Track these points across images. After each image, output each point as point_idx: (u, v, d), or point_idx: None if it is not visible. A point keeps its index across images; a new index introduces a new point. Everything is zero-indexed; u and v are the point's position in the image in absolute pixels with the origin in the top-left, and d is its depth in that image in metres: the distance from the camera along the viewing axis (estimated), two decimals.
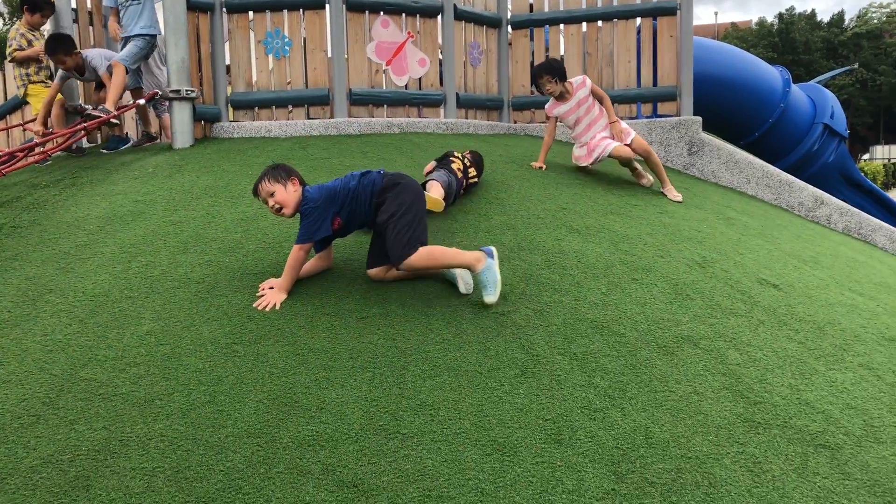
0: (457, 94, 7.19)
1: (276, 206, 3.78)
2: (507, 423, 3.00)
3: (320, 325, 3.50)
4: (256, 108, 6.75)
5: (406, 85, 7.05)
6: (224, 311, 3.62)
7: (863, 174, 10.57)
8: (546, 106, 6.16)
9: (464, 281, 3.85)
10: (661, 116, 7.36)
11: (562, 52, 7.64)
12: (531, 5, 7.85)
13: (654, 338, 3.61)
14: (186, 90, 6.13)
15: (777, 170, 7.07)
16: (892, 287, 5.11)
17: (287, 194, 3.78)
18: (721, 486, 2.76)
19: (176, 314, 3.61)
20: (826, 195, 7.01)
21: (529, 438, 2.93)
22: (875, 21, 77.21)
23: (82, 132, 6.28)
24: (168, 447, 2.81)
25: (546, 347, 3.46)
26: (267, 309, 3.60)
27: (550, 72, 5.88)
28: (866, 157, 66.67)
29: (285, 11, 6.67)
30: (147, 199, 4.97)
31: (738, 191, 6.86)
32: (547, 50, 7.87)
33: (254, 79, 6.85)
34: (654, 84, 7.36)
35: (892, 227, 7.08)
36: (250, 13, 6.70)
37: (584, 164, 6.04)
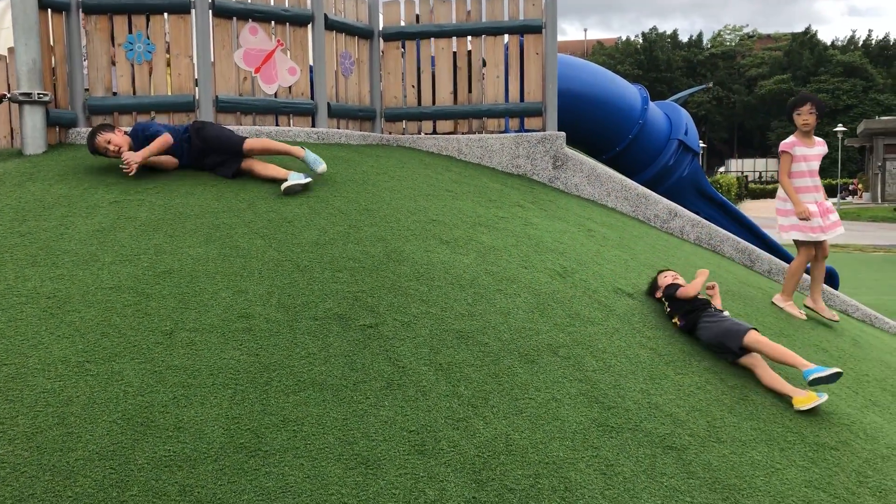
0: (328, 103, 7.15)
1: (117, 147, 5.10)
2: (371, 437, 3.01)
3: (179, 341, 3.39)
4: (116, 114, 6.46)
5: (276, 93, 6.95)
6: (76, 328, 3.44)
7: (716, 187, 11.28)
8: (785, 141, 5.61)
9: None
10: (527, 131, 7.59)
11: (433, 67, 7.76)
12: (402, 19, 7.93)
13: (516, 346, 3.72)
14: (38, 93, 5.79)
15: (635, 184, 7.44)
16: (737, 294, 5.49)
17: (120, 136, 5.20)
18: (576, 490, 2.88)
19: (22, 331, 3.40)
20: (679, 208, 7.44)
21: (393, 451, 2.96)
22: (728, 43, 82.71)
23: None
24: (10, 474, 2.64)
25: (412, 359, 3.50)
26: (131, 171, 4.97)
27: (817, 103, 5.53)
28: (722, 169, 71.28)
29: (147, 15, 6.42)
30: None
31: (599, 203, 7.18)
32: (419, 62, 7.95)
33: (113, 83, 6.55)
34: (521, 100, 7.59)
35: (738, 238, 7.60)
36: (110, 15, 6.42)
37: (815, 235, 5.57)
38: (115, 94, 6.58)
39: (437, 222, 5.12)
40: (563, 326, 4.00)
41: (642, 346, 4.00)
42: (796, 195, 5.43)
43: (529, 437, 3.11)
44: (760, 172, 70.47)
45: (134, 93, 6.48)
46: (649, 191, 7.47)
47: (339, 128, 7.37)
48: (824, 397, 3.73)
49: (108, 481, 2.66)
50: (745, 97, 74.40)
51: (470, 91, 7.70)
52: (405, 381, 3.34)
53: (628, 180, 7.44)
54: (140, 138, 5.21)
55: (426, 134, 7.73)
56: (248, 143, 5.28)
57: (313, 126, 7.14)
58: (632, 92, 9.81)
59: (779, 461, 3.24)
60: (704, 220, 7.49)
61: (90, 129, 5.53)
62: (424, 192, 5.80)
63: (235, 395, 3.11)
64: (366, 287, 4.01)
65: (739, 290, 5.67)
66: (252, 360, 3.32)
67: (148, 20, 6.50)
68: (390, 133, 7.89)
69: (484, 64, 7.67)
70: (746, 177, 63.66)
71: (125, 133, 5.31)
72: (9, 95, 6.07)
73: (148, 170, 5.22)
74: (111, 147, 5.16)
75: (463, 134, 7.58)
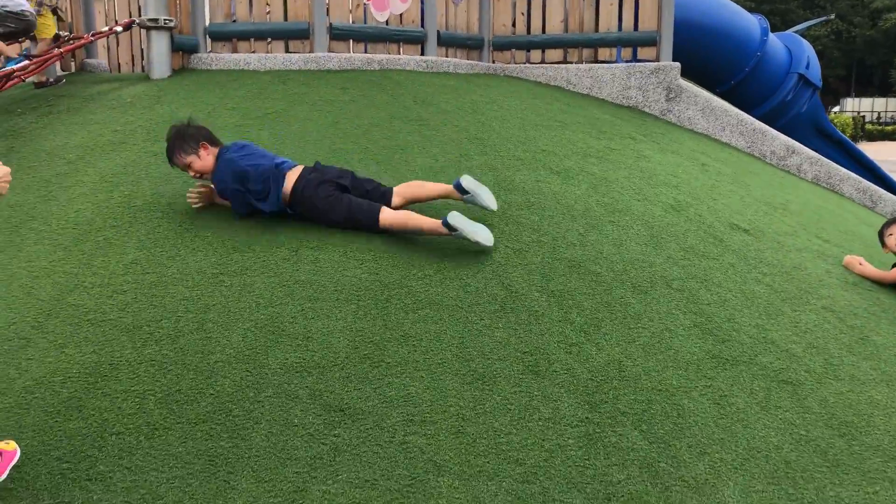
0: (438, 32, 7.14)
1: (198, 175, 3.86)
2: (486, 355, 3.11)
3: (305, 259, 3.56)
4: (234, 40, 6.65)
5: (387, 21, 6.98)
6: (209, 242, 3.66)
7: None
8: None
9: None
10: (640, 61, 7.39)
11: None
12: None
13: (628, 277, 3.73)
14: (164, 19, 6.02)
15: (751, 118, 7.17)
16: (857, 234, 5.29)
17: (204, 162, 3.82)
18: (689, 417, 2.92)
19: (161, 244, 3.64)
20: (797, 144, 7.14)
21: (508, 370, 3.05)
22: None
23: (58, 57, 6.18)
24: (158, 371, 2.88)
25: (524, 284, 3.57)
26: (195, 204, 3.91)
27: None
28: (836, 109, 67.22)
29: None
30: (126, 130, 4.93)
31: (713, 138, 6.97)
32: None
33: (232, 10, 6.73)
34: (635, 28, 7.37)
35: (859, 177, 7.26)
36: None
37: None
38: (234, 20, 6.76)
39: (548, 152, 5.10)
40: (676, 259, 3.97)
41: (758, 282, 3.94)
42: None
43: (642, 365, 3.15)
44: (879, 113, 66.04)
45: (252, 19, 6.64)
46: (766, 126, 7.19)
47: (447, 56, 7.36)
48: None
49: (244, 382, 2.86)
50: (868, 31, 69.36)
51: (581, 19, 7.52)
52: (518, 306, 3.42)
53: (744, 114, 7.17)
54: (228, 173, 3.77)
55: (534, 63, 7.64)
56: (386, 220, 3.75)
57: (422, 54, 7.16)
58: (751, 22, 9.36)
59: None
60: (824, 158, 7.18)
61: (213, 54, 5.27)
62: (533, 122, 5.77)
63: (358, 311, 3.26)
64: (478, 214, 4.07)
65: (861, 230, 5.45)
66: (373, 279, 3.45)
67: None
68: (498, 62, 7.82)
69: None
70: (863, 117, 59.87)
71: (210, 148, 3.86)
72: (136, 21, 6.32)
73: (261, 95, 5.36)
74: (191, 173, 3.86)
75: (573, 63, 7.45)
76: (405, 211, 3.82)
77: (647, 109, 7.05)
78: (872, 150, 15.61)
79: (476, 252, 3.74)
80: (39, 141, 4.91)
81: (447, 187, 3.92)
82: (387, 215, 3.74)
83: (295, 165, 3.86)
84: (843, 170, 7.20)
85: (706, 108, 7.01)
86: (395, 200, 3.88)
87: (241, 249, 3.60)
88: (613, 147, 5.52)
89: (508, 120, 5.68)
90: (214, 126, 4.90)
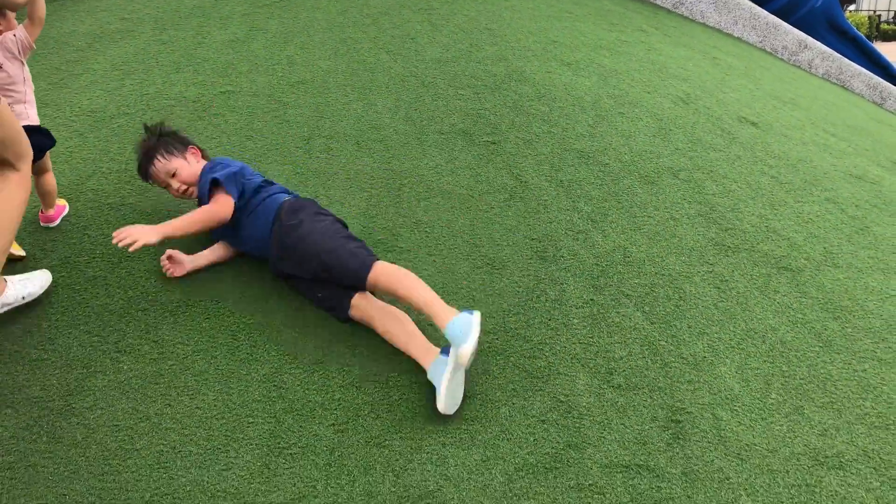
0: None
1: (183, 187, 2.91)
2: (496, 242, 3.21)
3: (317, 147, 3.61)
4: None
5: None
6: (222, 130, 3.70)
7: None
8: None
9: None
10: None
11: None
12: None
13: (636, 168, 3.78)
14: None
15: (764, 12, 7.03)
16: (865, 130, 5.29)
17: (192, 169, 2.93)
18: (690, 300, 3.03)
19: (177, 123, 3.68)
20: (810, 39, 7.03)
21: (517, 255, 3.15)
22: None
23: None
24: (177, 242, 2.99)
25: (534, 174, 3.62)
26: (121, 244, 2.53)
27: None
28: (852, 8, 65.11)
29: None
30: (134, 17, 4.88)
31: (725, 32, 6.86)
32: None
33: None
34: None
35: (870, 73, 7.18)
36: None
37: None
38: None
39: (558, 44, 5.06)
40: (684, 151, 4.01)
41: (763, 174, 3.99)
42: None
43: (646, 251, 3.24)
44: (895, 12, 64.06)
45: None
46: (779, 20, 7.06)
47: None
48: None
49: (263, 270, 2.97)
50: None
51: None
52: (527, 195, 3.49)
53: (758, 8, 7.03)
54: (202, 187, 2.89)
55: None
56: (376, 273, 2.65)
57: None
58: None
59: (894, 288, 3.28)
60: (836, 54, 7.08)
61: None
62: (545, 13, 5.69)
63: (371, 198, 3.34)
64: (488, 105, 4.09)
65: (869, 126, 5.45)
66: (384, 168, 3.51)
67: None
68: None
69: None
70: (879, 16, 58.08)
71: (200, 154, 3.07)
72: None
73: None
74: (175, 186, 2.96)
75: None
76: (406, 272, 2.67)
77: (658, 2, 6.92)
78: (886, 50, 15.30)
79: (486, 143, 3.78)
80: (47, 28, 4.86)
81: (438, 310, 2.53)
82: (384, 267, 2.67)
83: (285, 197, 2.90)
84: (855, 65, 7.11)
85: (718, 0, 6.87)
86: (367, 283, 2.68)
87: (253, 137, 3.65)
88: (624, 39, 5.46)
89: (519, 10, 5.60)
90: (223, 13, 4.86)
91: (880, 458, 2.52)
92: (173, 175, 2.94)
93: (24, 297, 2.68)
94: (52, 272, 2.84)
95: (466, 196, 3.43)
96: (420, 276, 2.68)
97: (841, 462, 2.49)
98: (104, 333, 2.66)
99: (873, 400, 2.72)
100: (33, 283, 2.71)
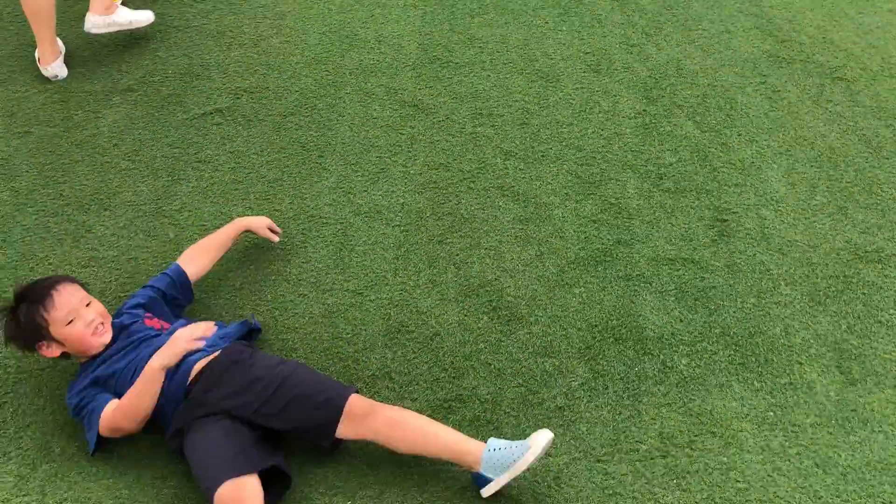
0: None
1: (101, 320, 2.12)
2: (550, 56, 3.26)
3: None
4: None
5: None
6: None
7: None
8: None
9: None
10: None
11: None
12: None
13: None
14: None
15: None
16: None
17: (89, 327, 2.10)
18: (741, 110, 3.09)
19: None
20: None
21: (570, 69, 3.21)
22: None
23: None
24: (246, 71, 3.13)
25: None
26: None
27: None
28: None
29: None
30: None
31: None
32: None
33: None
34: None
35: None
36: None
37: None
38: None
39: None
40: None
41: None
42: None
43: (700, 63, 3.27)
44: None
45: None
46: None
47: None
48: None
49: (325, 81, 3.10)
50: None
51: None
52: (581, 10, 3.49)
53: None
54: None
55: None
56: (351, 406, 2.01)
57: None
58: None
59: None
60: None
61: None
62: None
63: (426, 16, 3.39)
64: None
65: None
66: None
67: None
68: None
69: None
70: None
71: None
72: None
73: None
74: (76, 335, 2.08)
75: None
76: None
77: None
78: None
79: None
80: None
81: (462, 448, 1.97)
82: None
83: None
84: None
85: None
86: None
87: None
88: None
89: None
90: None
91: None
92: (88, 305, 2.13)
93: (131, 22, 3.09)
94: (127, 93, 3.02)
95: (520, 11, 3.45)
96: (474, 94, 2.78)
97: (880, 257, 2.62)
98: (184, 146, 2.86)
99: None
100: (140, 14, 3.12)
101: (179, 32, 3.28)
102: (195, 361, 2.08)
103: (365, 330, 2.37)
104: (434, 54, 3.22)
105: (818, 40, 3.46)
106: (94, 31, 3.07)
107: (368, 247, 2.58)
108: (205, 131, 2.90)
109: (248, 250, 2.56)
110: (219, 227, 2.49)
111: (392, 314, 2.41)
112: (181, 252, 2.40)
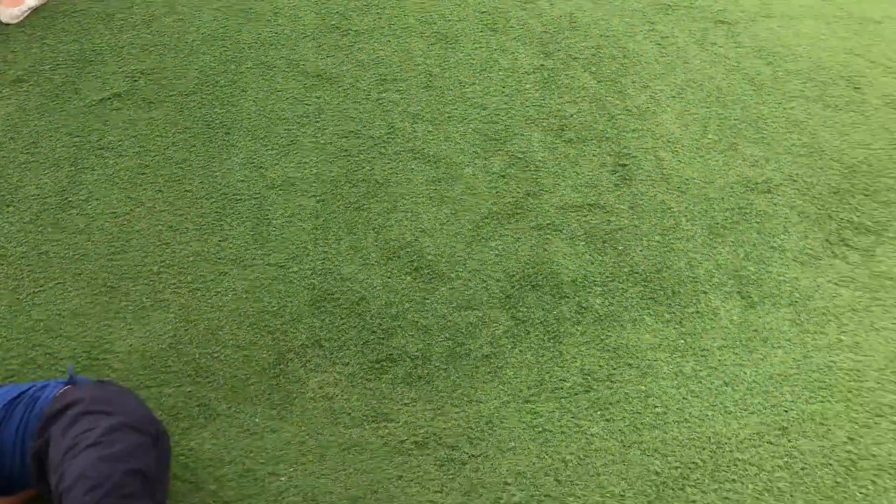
0: None
1: None
2: (447, 17, 3.31)
3: None
4: None
5: None
6: None
7: None
8: None
9: None
10: None
11: None
12: None
13: None
14: None
15: None
16: None
17: None
18: (633, 57, 3.22)
19: None
20: None
21: (468, 29, 3.27)
22: None
23: None
24: (141, 52, 3.06)
25: None
26: None
27: None
28: None
29: None
30: None
31: None
32: None
33: None
34: None
35: None
36: None
37: None
38: None
39: None
40: None
41: None
42: None
43: (591, 15, 3.38)
44: None
45: None
46: None
47: None
48: None
49: (225, 56, 3.06)
50: None
51: None
52: None
53: None
54: None
55: None
56: None
57: None
58: None
59: (823, 32, 3.49)
60: None
61: None
62: None
63: None
64: None
65: None
66: None
67: None
68: None
69: None
70: None
71: None
72: None
73: None
74: None
75: None
76: None
77: None
78: None
79: None
80: None
81: None
82: None
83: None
84: None
85: None
86: None
87: None
88: None
89: None
90: None
91: (803, 180, 2.83)
92: None
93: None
94: (17, 84, 2.92)
95: None
96: (377, 59, 2.80)
97: (769, 187, 2.81)
98: (84, 134, 2.79)
99: (799, 133, 3.01)
100: None
101: (66, 18, 3.17)
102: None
103: (291, 301, 2.40)
104: (332, 23, 3.23)
105: None
106: (12, 21, 3.08)
107: (286, 219, 2.60)
108: (105, 117, 2.84)
109: (162, 233, 2.54)
110: (130, 213, 2.46)
111: (316, 283, 2.45)
112: (93, 242, 2.37)
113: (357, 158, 2.78)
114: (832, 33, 3.50)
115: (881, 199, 2.73)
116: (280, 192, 2.67)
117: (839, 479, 1.92)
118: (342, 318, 2.38)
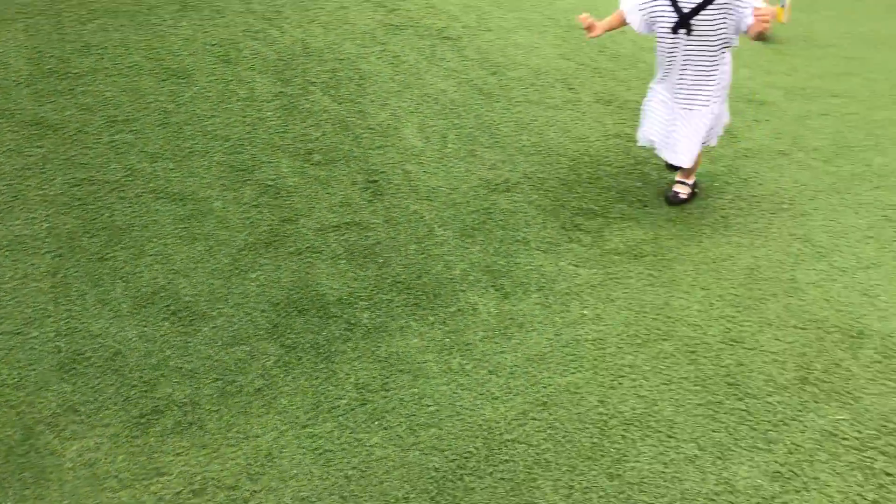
0: None
1: None
2: (176, 53, 3.22)
3: None
4: None
5: None
6: None
7: None
8: None
9: None
10: None
11: None
12: None
13: None
14: None
15: None
16: None
17: None
18: (369, 78, 3.33)
19: None
20: None
21: (200, 62, 3.21)
22: None
23: None
24: None
25: None
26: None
27: None
28: None
29: None
30: None
31: None
32: None
33: None
34: None
35: None
36: None
37: None
38: None
39: None
40: None
41: None
42: None
43: (323, 40, 3.45)
44: None
45: None
46: None
47: None
48: None
49: None
50: None
51: None
52: (199, 3, 3.49)
53: None
54: None
55: None
56: None
57: None
58: None
59: (537, 41, 3.82)
60: None
61: None
62: None
63: (28, 28, 3.15)
64: None
65: None
66: None
67: None
68: None
69: None
70: None
71: None
72: None
73: None
74: None
75: None
76: None
77: None
78: None
79: None
80: None
81: None
82: None
83: None
84: None
85: None
86: None
87: None
88: None
89: None
90: None
91: (536, 177, 3.08)
92: None
93: None
94: None
95: (134, 13, 3.35)
96: (103, 101, 2.67)
97: (508, 186, 3.02)
98: None
99: (528, 134, 3.27)
100: None
101: None
102: None
103: (34, 369, 2.21)
104: (48, 67, 3.02)
105: (422, 6, 3.82)
106: None
107: (18, 281, 2.39)
108: None
109: None
110: None
111: (62, 346, 2.27)
112: None
113: (94, 206, 2.62)
114: (545, 42, 3.84)
115: (602, 185, 3.04)
116: (7, 252, 2.45)
117: (595, 440, 2.10)
118: (97, 378, 2.22)
